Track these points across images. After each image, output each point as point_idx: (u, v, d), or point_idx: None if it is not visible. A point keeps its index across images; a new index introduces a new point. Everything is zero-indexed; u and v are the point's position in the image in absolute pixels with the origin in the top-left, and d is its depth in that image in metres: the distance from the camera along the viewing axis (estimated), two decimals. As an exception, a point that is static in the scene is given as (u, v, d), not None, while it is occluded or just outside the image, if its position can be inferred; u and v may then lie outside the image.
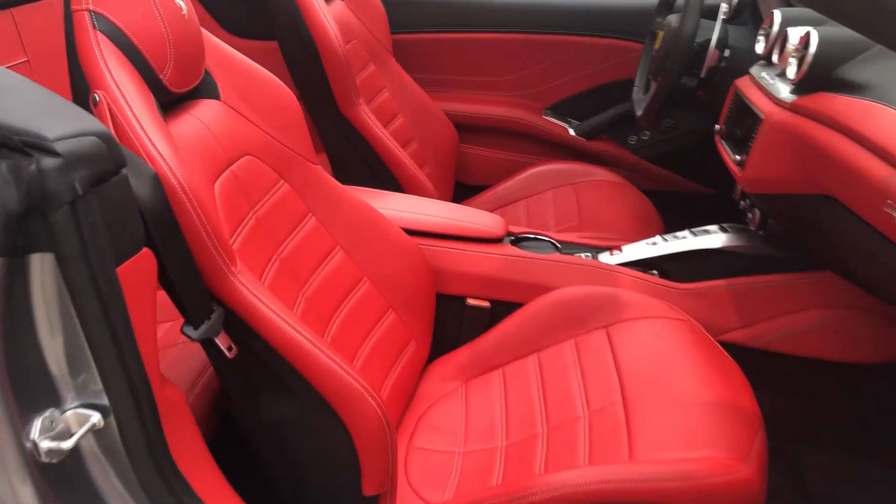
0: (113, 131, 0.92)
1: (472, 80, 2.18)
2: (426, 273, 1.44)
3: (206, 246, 0.95)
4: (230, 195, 1.13)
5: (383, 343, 1.36)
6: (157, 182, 0.90)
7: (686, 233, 1.54)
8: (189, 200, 0.93)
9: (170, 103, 1.10)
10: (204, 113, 1.15)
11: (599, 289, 1.42)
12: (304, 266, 1.25)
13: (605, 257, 1.55)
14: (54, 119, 0.77)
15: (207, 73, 1.19)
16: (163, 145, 0.93)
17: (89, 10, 0.97)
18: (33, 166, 0.72)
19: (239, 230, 1.12)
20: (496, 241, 1.51)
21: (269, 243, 1.19)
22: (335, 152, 1.78)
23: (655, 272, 1.52)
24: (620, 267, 1.50)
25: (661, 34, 1.69)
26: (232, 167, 1.16)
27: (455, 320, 1.50)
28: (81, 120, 0.78)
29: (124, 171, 0.83)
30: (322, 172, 1.35)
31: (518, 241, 1.57)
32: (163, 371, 0.92)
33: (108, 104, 0.94)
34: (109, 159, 0.79)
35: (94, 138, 0.77)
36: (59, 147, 0.73)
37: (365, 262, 1.37)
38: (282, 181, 1.27)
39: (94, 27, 0.97)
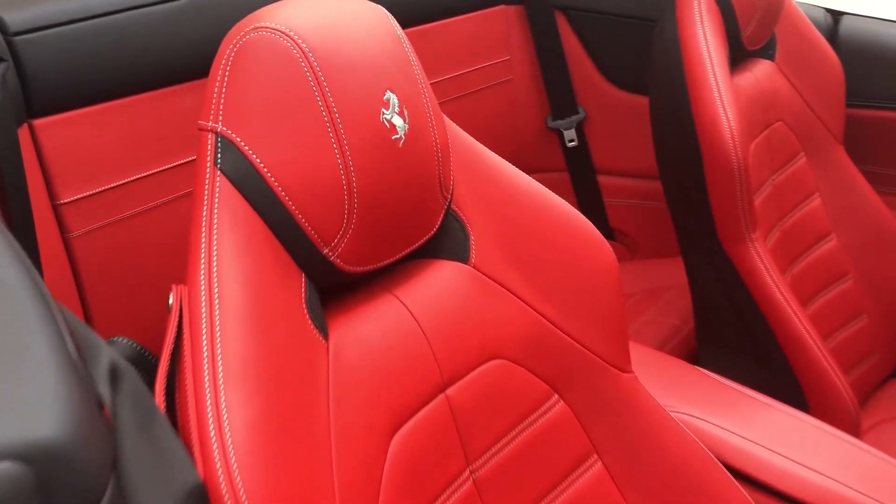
0: (159, 382, 0.50)
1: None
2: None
3: None
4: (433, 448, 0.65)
5: None
6: (200, 498, 0.47)
7: None
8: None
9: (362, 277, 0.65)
10: (432, 299, 0.67)
11: None
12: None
13: None
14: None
15: (456, 218, 0.72)
16: (242, 425, 0.49)
17: (216, 133, 0.56)
18: None
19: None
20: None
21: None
22: (703, 300, 1.17)
23: None
24: None
25: None
26: (449, 389, 0.67)
27: None
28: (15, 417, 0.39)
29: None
30: (635, 386, 0.80)
31: None
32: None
33: (181, 314, 0.52)
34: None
35: (8, 467, 0.38)
36: None
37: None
38: (555, 397, 0.75)
39: (214, 162, 0.56)
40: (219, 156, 0.56)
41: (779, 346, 1.10)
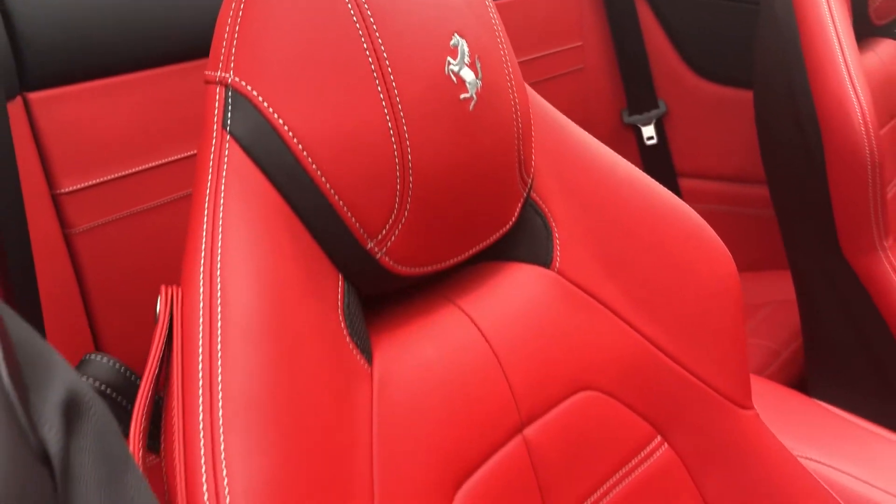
0: (136, 422, 0.36)
1: None
2: None
3: None
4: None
5: None
6: None
7: None
8: None
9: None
10: (506, 312, 0.52)
11: None
12: None
13: None
14: None
15: (537, 211, 0.56)
16: (246, 486, 0.34)
17: (225, 85, 0.42)
18: None
19: None
20: None
21: None
22: (816, 321, 0.99)
23: None
24: None
25: None
26: (528, 429, 0.52)
27: None
28: None
29: None
30: (758, 426, 0.63)
31: None
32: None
33: (170, 327, 0.38)
34: None
35: None
36: None
37: None
38: (658, 439, 0.59)
39: (223, 124, 0.42)
40: (228, 114, 0.41)
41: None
